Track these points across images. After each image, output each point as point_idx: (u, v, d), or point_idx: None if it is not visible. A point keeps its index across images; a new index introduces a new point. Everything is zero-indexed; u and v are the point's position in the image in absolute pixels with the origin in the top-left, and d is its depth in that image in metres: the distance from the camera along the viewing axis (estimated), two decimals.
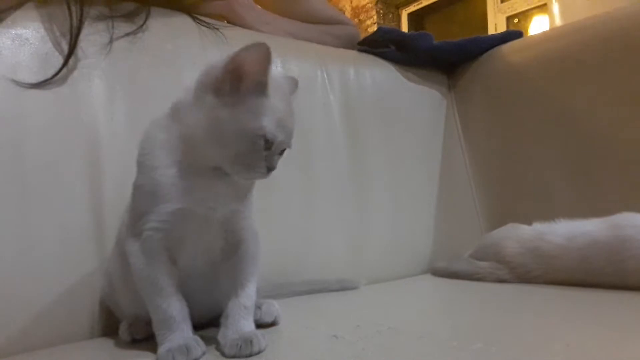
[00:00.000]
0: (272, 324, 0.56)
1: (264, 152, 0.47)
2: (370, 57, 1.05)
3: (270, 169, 0.48)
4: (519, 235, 0.81)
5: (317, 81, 0.95)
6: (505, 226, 0.87)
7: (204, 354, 0.46)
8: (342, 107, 0.95)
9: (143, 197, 0.49)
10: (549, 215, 0.80)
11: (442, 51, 1.10)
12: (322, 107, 0.93)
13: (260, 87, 0.46)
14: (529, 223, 0.83)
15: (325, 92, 0.95)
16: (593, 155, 0.91)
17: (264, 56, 0.45)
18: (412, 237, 0.97)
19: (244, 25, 0.91)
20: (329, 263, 0.84)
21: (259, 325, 0.54)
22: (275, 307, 0.58)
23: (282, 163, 0.84)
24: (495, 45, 1.10)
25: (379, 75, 1.04)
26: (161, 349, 0.46)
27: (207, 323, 0.55)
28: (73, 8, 0.67)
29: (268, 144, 0.47)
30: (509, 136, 1.04)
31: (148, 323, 0.49)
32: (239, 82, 0.45)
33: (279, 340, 0.53)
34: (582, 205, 0.88)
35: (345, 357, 0.45)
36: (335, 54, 1.00)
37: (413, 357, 0.45)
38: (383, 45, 1.07)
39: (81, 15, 0.68)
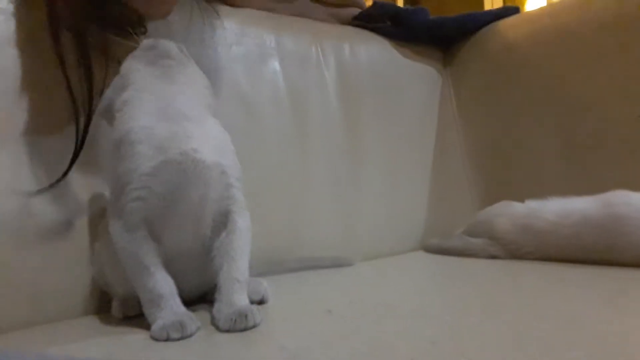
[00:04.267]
0: (260, 302, 0.56)
1: None
2: (365, 33, 1.04)
3: None
4: (512, 213, 0.82)
5: (311, 58, 0.94)
6: (498, 203, 0.88)
7: (198, 329, 0.46)
8: (337, 84, 0.94)
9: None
10: (541, 193, 0.81)
11: (438, 26, 1.09)
12: (317, 83, 0.92)
13: None
14: (522, 200, 0.83)
15: (320, 68, 0.94)
16: (587, 133, 0.91)
17: None
18: (406, 214, 0.97)
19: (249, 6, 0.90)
20: (323, 240, 0.85)
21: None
22: (263, 285, 0.57)
23: (276, 140, 0.84)
24: (492, 21, 1.09)
25: (374, 52, 1.03)
26: (155, 326, 0.45)
27: (197, 299, 0.55)
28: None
29: None
30: (503, 113, 1.04)
31: (140, 300, 0.49)
32: None
33: (272, 316, 0.53)
34: (575, 183, 0.88)
35: (339, 332, 0.45)
36: (330, 30, 0.99)
37: (407, 332, 0.45)
38: (379, 20, 1.05)
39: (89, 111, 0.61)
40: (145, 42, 0.56)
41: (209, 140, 0.50)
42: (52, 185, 0.59)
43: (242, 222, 0.52)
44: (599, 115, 0.90)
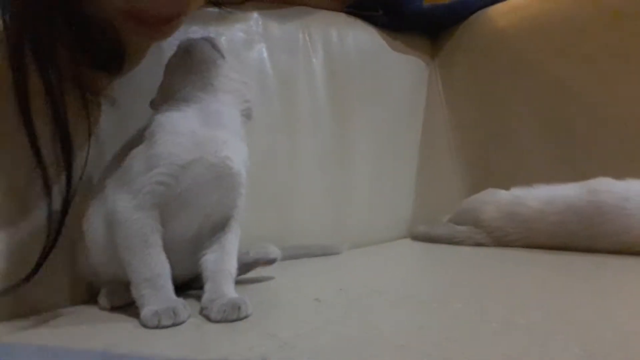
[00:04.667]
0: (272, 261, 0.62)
1: None
2: (354, 21, 1.03)
3: None
4: (497, 200, 0.83)
5: (299, 44, 0.93)
6: (483, 191, 0.89)
7: (189, 317, 0.46)
8: (325, 71, 0.94)
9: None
10: (527, 180, 0.82)
11: (430, 14, 1.09)
12: (305, 70, 0.91)
13: None
14: (507, 188, 0.84)
15: (308, 55, 0.93)
16: (572, 121, 0.92)
17: None
18: (393, 202, 0.98)
19: None
20: (311, 228, 0.85)
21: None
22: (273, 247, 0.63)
23: (263, 127, 0.83)
24: (484, 7, 1.08)
25: (362, 39, 1.02)
26: (145, 311, 0.45)
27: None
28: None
29: None
30: (490, 102, 1.05)
31: (127, 290, 0.49)
32: None
33: (262, 304, 0.53)
34: (560, 171, 0.89)
35: (329, 320, 0.46)
36: (318, 16, 0.98)
37: (395, 319, 0.46)
38: (371, 8, 1.05)
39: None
40: (181, 44, 0.57)
41: (238, 151, 0.53)
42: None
43: (237, 225, 0.55)
44: (585, 103, 0.91)
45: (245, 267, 0.62)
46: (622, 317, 0.43)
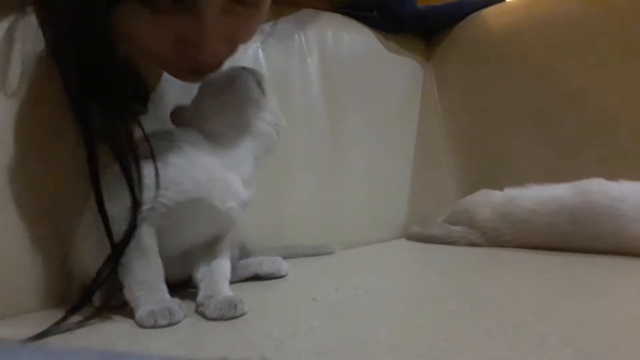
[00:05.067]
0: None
1: None
2: (349, 22, 1.04)
3: None
4: (491, 201, 0.83)
5: (294, 45, 0.93)
6: (478, 192, 0.89)
7: (185, 317, 0.46)
8: (320, 72, 0.94)
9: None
10: (521, 181, 0.82)
11: (424, 15, 1.09)
12: (300, 71, 0.92)
13: None
14: (502, 189, 0.85)
15: (303, 55, 0.93)
16: (566, 122, 0.93)
17: None
18: (388, 203, 0.98)
19: None
20: (305, 228, 0.85)
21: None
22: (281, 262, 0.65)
23: None
24: (478, 9, 1.09)
25: (358, 40, 1.02)
26: (140, 311, 0.45)
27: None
28: None
29: None
30: (484, 103, 1.05)
31: (121, 290, 0.49)
32: None
33: (257, 303, 0.53)
34: (554, 171, 0.90)
35: (325, 319, 0.46)
36: (313, 17, 0.98)
37: (390, 319, 0.46)
38: (366, 9, 1.05)
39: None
40: (226, 72, 0.56)
41: (243, 199, 0.53)
42: None
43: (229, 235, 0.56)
44: (579, 104, 0.92)
45: (254, 277, 0.64)
46: (615, 317, 0.43)
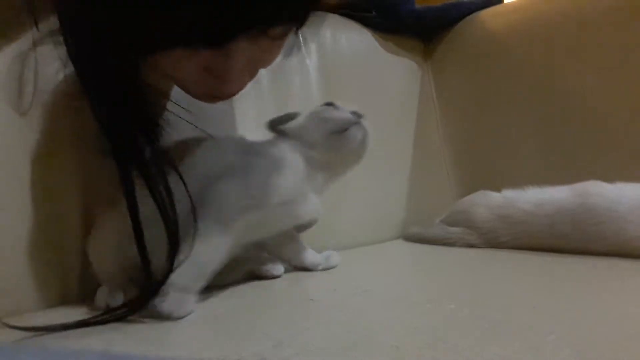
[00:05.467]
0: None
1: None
2: (348, 22, 1.04)
3: None
4: (489, 202, 0.83)
5: (293, 44, 0.93)
6: (476, 193, 0.89)
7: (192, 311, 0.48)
8: (318, 71, 0.94)
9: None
10: (519, 182, 0.82)
11: (424, 16, 1.09)
12: (298, 70, 0.92)
13: None
14: (499, 190, 0.85)
15: (301, 56, 0.93)
16: (565, 124, 0.93)
17: None
18: (386, 203, 0.98)
19: None
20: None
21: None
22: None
23: (255, 125, 0.83)
24: (477, 10, 1.09)
25: (356, 41, 1.03)
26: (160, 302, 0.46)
27: None
28: None
29: None
30: (482, 104, 1.05)
31: (128, 290, 0.50)
32: None
33: (255, 304, 0.53)
34: (552, 173, 0.90)
35: (323, 320, 0.46)
36: (312, 17, 0.98)
37: (388, 319, 0.46)
38: (365, 9, 1.05)
39: None
40: (341, 117, 0.62)
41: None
42: None
43: None
44: (577, 106, 0.92)
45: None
46: (613, 319, 0.43)
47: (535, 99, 0.98)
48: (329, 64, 0.96)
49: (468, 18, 1.10)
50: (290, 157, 0.57)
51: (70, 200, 0.59)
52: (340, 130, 0.60)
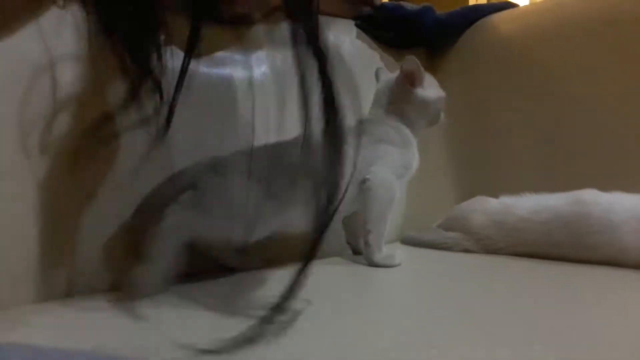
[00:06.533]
0: None
1: None
2: (350, 26, 1.04)
3: None
4: (486, 208, 0.84)
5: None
6: (473, 199, 0.90)
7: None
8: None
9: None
10: (517, 189, 0.83)
11: (446, 23, 1.09)
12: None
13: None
14: (497, 196, 0.85)
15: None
16: (564, 131, 0.93)
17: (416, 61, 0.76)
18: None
19: None
20: (299, 230, 0.85)
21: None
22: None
23: (257, 128, 0.84)
24: (493, 13, 1.09)
25: (358, 43, 1.03)
26: (378, 254, 0.70)
27: None
28: None
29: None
30: (484, 111, 1.06)
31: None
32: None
33: (246, 304, 0.54)
34: (551, 180, 0.90)
35: (318, 321, 0.47)
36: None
37: (379, 322, 0.47)
38: (384, 26, 1.05)
39: None
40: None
41: None
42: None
43: None
44: (578, 115, 0.93)
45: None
46: (602, 328, 0.44)
47: (538, 106, 0.98)
48: (331, 66, 0.96)
49: (477, 24, 1.09)
50: (408, 132, 0.77)
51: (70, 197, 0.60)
52: (434, 123, 0.79)
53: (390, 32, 1.06)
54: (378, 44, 1.07)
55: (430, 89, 0.78)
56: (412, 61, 0.76)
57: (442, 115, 0.80)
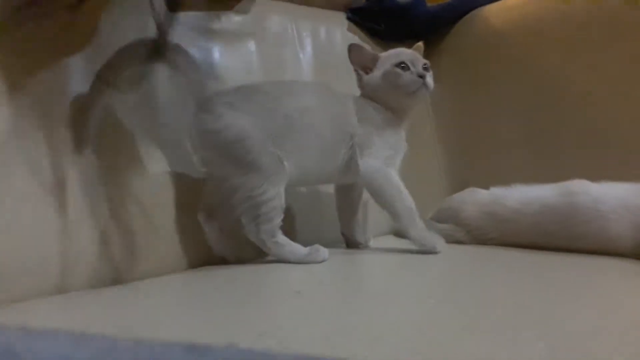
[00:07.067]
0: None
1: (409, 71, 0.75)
2: (342, 19, 1.04)
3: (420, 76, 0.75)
4: (477, 200, 0.84)
5: (287, 38, 0.93)
6: (464, 190, 0.90)
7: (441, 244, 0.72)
8: (312, 66, 0.95)
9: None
10: (508, 180, 0.83)
11: (437, 15, 1.10)
12: (292, 64, 0.92)
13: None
14: (488, 188, 0.86)
15: (295, 49, 0.94)
16: (554, 123, 0.94)
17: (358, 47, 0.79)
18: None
19: None
20: (294, 223, 0.85)
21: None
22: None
23: None
24: (483, 4, 1.09)
25: (350, 36, 1.03)
26: (414, 233, 0.73)
27: None
28: None
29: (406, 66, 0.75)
30: (475, 103, 1.06)
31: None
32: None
33: (242, 295, 0.54)
34: (541, 172, 0.91)
35: (308, 312, 0.47)
36: (308, 12, 0.99)
37: (371, 312, 0.47)
38: (375, 19, 1.05)
39: None
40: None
41: None
42: None
43: None
44: (567, 106, 0.93)
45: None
46: (590, 315, 0.44)
47: (529, 97, 0.99)
48: (323, 58, 0.97)
49: (468, 16, 1.10)
50: (387, 112, 0.76)
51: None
52: (410, 93, 0.75)
53: (381, 24, 1.06)
54: (369, 36, 1.07)
55: (381, 67, 0.77)
56: (354, 50, 0.77)
57: (428, 81, 0.76)
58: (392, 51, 0.79)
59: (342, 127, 0.73)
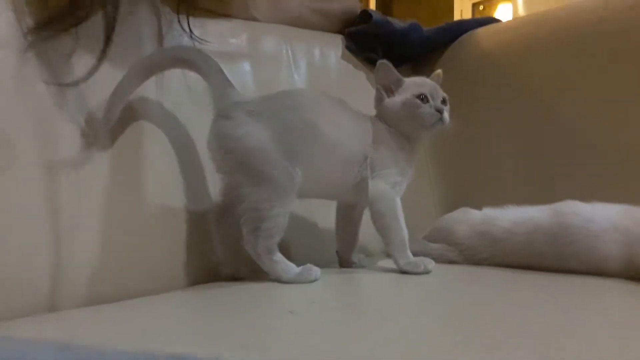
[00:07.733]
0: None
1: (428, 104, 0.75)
2: (336, 40, 1.06)
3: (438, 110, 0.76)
4: (470, 220, 0.85)
5: (282, 59, 0.95)
6: (457, 210, 0.91)
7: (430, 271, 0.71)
8: (306, 86, 0.96)
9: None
10: (500, 201, 0.84)
11: (434, 39, 1.12)
12: (286, 85, 0.93)
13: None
14: (480, 208, 0.87)
15: (290, 70, 0.95)
16: (546, 144, 0.95)
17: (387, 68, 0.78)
18: (369, 219, 0.99)
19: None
20: (286, 244, 0.85)
21: None
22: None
23: None
24: (477, 27, 1.11)
25: (344, 57, 1.04)
26: (403, 262, 0.72)
27: None
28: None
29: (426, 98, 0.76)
30: (469, 124, 1.07)
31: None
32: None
33: (233, 314, 0.54)
34: (533, 192, 0.92)
35: (301, 332, 0.47)
36: (302, 34, 1.00)
37: (364, 331, 0.47)
38: (371, 49, 1.06)
39: None
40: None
41: None
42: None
43: None
44: (558, 127, 0.95)
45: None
46: (583, 334, 0.45)
47: (521, 119, 1.00)
48: (317, 79, 0.98)
49: (462, 38, 1.11)
50: (400, 137, 0.77)
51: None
52: (426, 126, 0.76)
53: (377, 48, 1.07)
54: (364, 60, 1.08)
55: (403, 93, 0.77)
56: (383, 69, 0.78)
57: (445, 116, 0.77)
58: (416, 79, 0.80)
59: (358, 146, 0.73)
